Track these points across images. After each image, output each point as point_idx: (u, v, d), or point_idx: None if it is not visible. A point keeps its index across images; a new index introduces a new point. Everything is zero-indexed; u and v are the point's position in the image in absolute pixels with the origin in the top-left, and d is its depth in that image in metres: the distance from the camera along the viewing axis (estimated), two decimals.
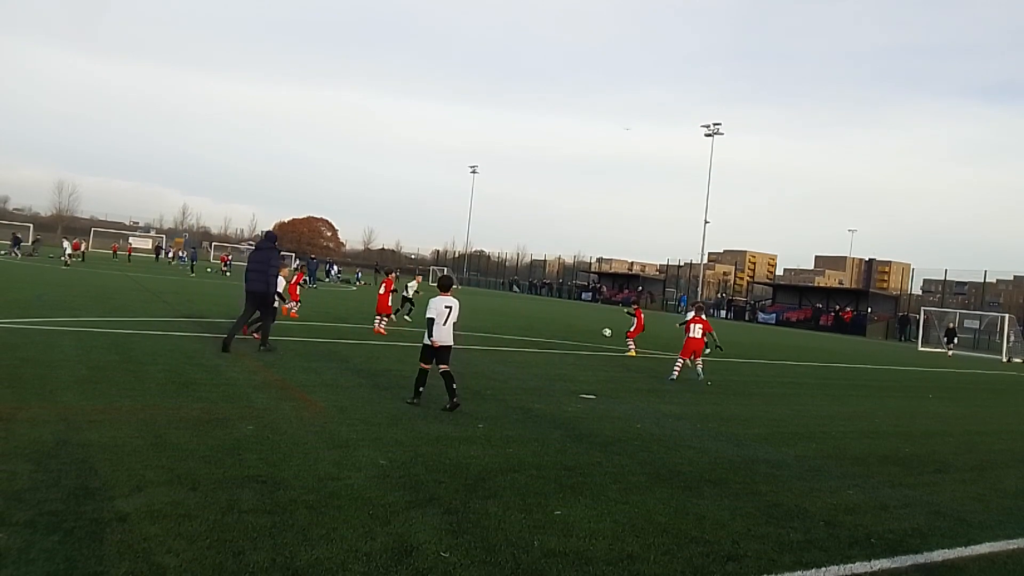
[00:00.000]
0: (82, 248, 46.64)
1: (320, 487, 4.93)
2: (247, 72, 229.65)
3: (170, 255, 69.36)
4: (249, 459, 5.43)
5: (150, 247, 75.55)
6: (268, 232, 12.81)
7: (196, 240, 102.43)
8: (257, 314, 12.29)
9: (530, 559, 4.05)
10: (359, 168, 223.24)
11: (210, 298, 24.10)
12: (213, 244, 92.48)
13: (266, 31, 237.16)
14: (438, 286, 8.73)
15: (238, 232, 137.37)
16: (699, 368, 13.97)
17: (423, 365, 8.45)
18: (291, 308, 19.14)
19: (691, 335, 13.99)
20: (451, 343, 8.48)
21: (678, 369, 13.70)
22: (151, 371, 8.90)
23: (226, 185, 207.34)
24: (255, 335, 12.89)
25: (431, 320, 8.36)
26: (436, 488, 5.19)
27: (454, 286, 9.08)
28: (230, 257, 57.02)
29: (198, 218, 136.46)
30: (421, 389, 8.42)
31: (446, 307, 8.41)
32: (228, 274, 46.80)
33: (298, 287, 20.76)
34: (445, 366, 8.32)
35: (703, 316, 14.49)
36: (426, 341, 8.39)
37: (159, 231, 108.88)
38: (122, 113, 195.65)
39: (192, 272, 43.79)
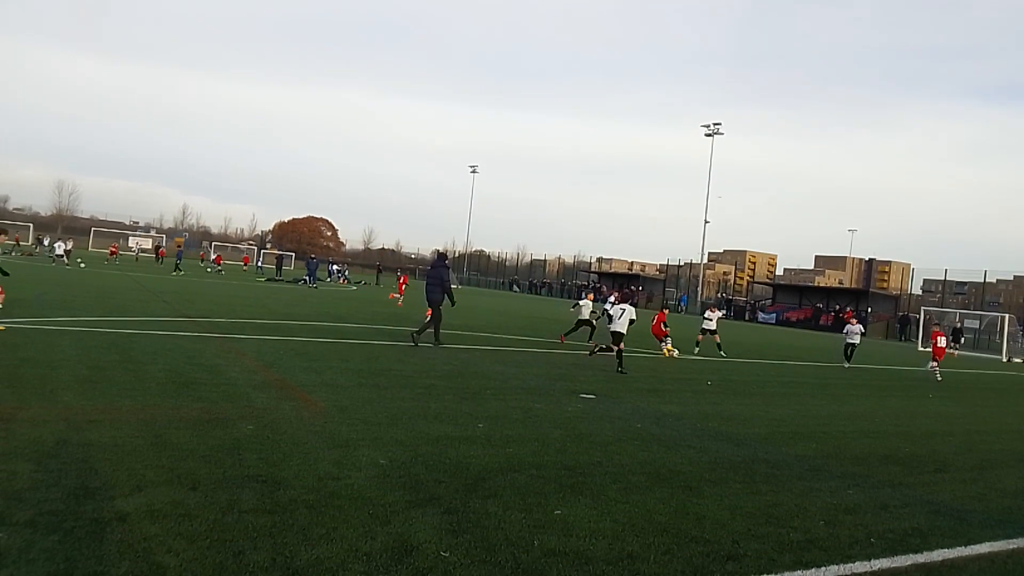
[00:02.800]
0: (69, 246, 45.87)
1: (320, 487, 4.93)
2: (247, 72, 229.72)
3: (212, 261, 64.06)
4: (249, 459, 5.44)
5: (151, 247, 75.52)
6: (440, 253, 17.28)
7: (195, 240, 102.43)
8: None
9: (530, 559, 4.05)
10: (359, 168, 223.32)
11: (210, 298, 24.11)
12: (213, 244, 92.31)
13: (267, 31, 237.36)
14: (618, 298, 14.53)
15: (238, 232, 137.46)
16: (935, 368, 19.50)
17: (614, 346, 14.06)
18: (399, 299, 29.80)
19: (937, 344, 19.89)
20: (621, 331, 14.15)
21: (935, 368, 19.50)
22: (151, 371, 8.90)
23: (226, 185, 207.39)
24: (561, 338, 18.97)
25: (610, 316, 14.67)
26: (436, 488, 5.19)
27: (628, 300, 14.87)
28: (260, 261, 59.62)
29: (198, 218, 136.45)
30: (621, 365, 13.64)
31: (620, 309, 14.49)
32: (223, 273, 47.37)
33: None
34: (617, 346, 14.00)
35: (942, 331, 20.73)
36: (612, 329, 14.24)
37: (159, 231, 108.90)
38: (122, 113, 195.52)
39: (181, 271, 43.50)
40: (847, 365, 20.74)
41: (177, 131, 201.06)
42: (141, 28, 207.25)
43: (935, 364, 19.61)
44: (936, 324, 22.44)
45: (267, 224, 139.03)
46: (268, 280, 45.22)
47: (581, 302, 19.92)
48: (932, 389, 17.15)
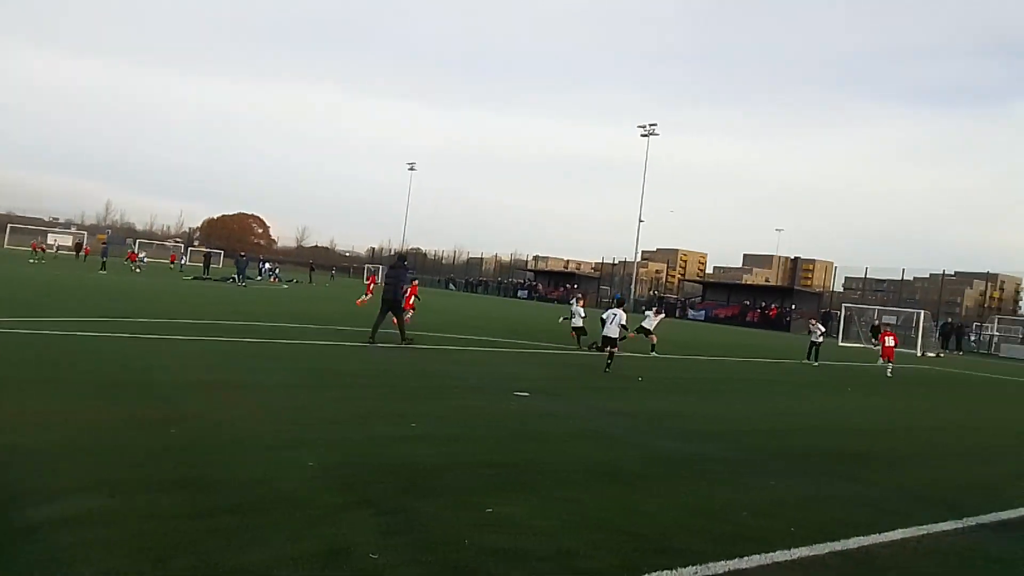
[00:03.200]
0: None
1: (248, 491, 4.79)
2: (178, 65, 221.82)
3: (180, 262, 62.02)
4: (174, 463, 5.24)
5: (71, 244, 72.16)
6: (400, 255, 18.55)
7: (119, 237, 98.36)
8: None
9: (464, 557, 4.03)
10: (293, 164, 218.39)
11: (135, 297, 23.20)
12: (138, 241, 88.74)
13: (199, 24, 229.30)
14: (614, 303, 15.47)
15: (164, 228, 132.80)
16: (889, 368, 20.60)
17: (609, 348, 14.48)
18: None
19: (886, 344, 21.11)
20: (612, 335, 14.51)
21: (884, 365, 20.85)
22: (71, 374, 8.50)
23: (152, 180, 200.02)
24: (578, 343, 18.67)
25: (603, 321, 14.86)
26: (370, 489, 5.11)
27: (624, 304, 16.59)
28: (185, 259, 60.91)
29: (122, 214, 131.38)
30: (609, 363, 14.09)
31: (612, 313, 14.80)
32: (139, 271, 46.10)
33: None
34: (610, 349, 14.41)
35: (891, 332, 22.11)
36: (604, 334, 14.67)
37: (80, 227, 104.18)
38: (42, 104, 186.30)
39: (105, 269, 42.20)
40: (815, 364, 21.85)
41: (100, 124, 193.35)
42: (67, 16, 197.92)
43: (889, 362, 20.98)
44: (887, 326, 24.40)
45: (195, 221, 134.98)
46: (195, 279, 43.83)
47: (573, 309, 19.18)
48: (851, 384, 17.91)
